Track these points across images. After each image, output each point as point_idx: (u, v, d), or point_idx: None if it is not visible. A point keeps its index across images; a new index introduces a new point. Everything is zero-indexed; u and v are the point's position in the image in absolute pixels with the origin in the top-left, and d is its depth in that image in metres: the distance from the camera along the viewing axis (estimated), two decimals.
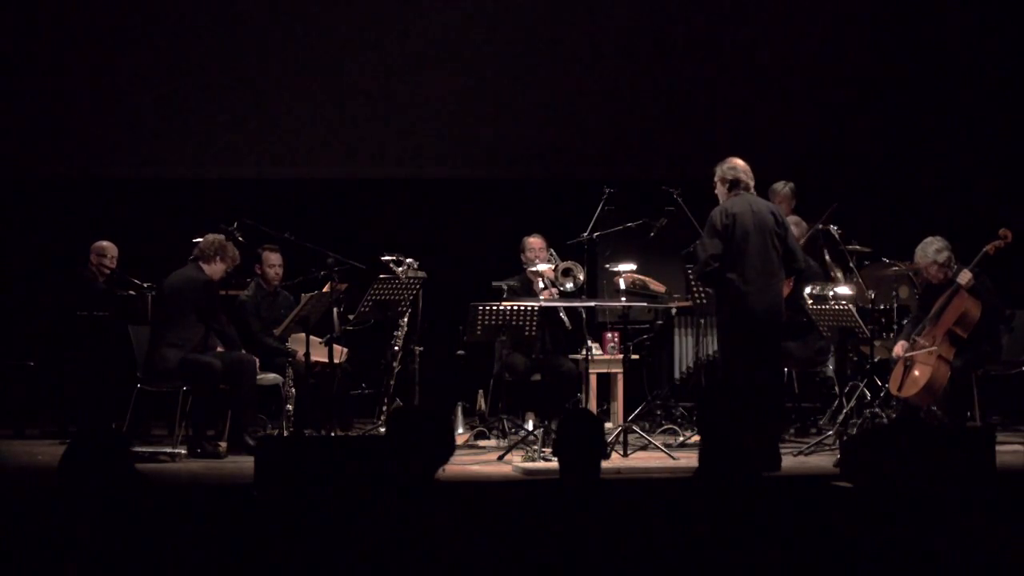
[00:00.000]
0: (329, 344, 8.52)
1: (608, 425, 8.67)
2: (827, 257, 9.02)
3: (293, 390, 8.40)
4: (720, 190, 7.52)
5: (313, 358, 8.24)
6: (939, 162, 10.73)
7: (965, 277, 8.18)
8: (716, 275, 7.33)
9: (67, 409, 8.86)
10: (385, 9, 10.46)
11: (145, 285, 9.01)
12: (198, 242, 8.26)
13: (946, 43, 10.69)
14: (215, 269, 8.15)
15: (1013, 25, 10.56)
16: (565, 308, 8.73)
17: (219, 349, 8.24)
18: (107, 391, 8.57)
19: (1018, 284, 9.37)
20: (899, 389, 8.14)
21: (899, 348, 8.27)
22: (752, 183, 7.51)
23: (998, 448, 6.38)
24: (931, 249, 8.26)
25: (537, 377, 8.94)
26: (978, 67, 10.67)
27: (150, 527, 3.96)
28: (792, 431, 8.74)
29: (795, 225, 8.81)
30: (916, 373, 8.09)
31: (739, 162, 7.52)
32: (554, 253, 8.89)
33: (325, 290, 8.35)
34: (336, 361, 8.42)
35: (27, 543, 3.84)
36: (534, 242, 9.04)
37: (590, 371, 8.59)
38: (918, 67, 10.67)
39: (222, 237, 8.28)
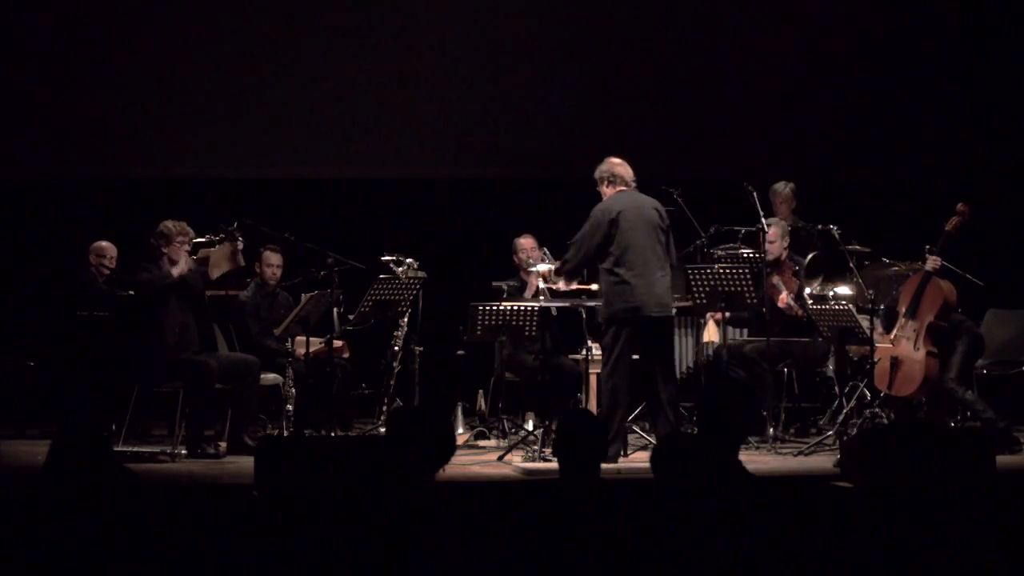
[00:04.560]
0: (329, 343, 8.53)
1: None
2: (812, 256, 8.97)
3: (293, 390, 8.40)
4: (603, 190, 7.67)
5: (314, 348, 8.26)
6: (940, 162, 10.73)
7: (934, 263, 8.16)
8: (581, 270, 7.65)
9: (67, 409, 8.85)
10: (386, 9, 10.46)
11: None
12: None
13: (945, 41, 10.68)
14: (171, 253, 8.00)
15: (1010, 25, 10.56)
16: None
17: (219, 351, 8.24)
18: (107, 391, 8.56)
19: (1016, 283, 9.37)
20: (889, 387, 8.13)
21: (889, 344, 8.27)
22: (631, 178, 7.66)
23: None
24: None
25: (537, 376, 8.93)
26: (978, 66, 10.67)
27: (149, 527, 3.97)
28: (792, 431, 8.74)
29: (776, 225, 8.83)
30: (909, 372, 8.05)
31: (615, 160, 7.71)
32: (547, 252, 8.84)
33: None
34: (337, 346, 8.43)
35: (27, 542, 3.84)
36: (525, 243, 9.01)
37: (590, 371, 8.57)
38: (918, 66, 10.66)
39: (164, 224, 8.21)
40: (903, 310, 8.20)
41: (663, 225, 7.58)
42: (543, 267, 8.74)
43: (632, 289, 7.36)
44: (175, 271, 7.95)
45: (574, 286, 8.10)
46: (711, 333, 8.90)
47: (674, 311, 7.74)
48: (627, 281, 7.37)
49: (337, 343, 8.63)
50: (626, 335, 7.44)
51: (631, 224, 7.44)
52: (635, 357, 7.66)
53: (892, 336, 8.18)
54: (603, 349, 7.68)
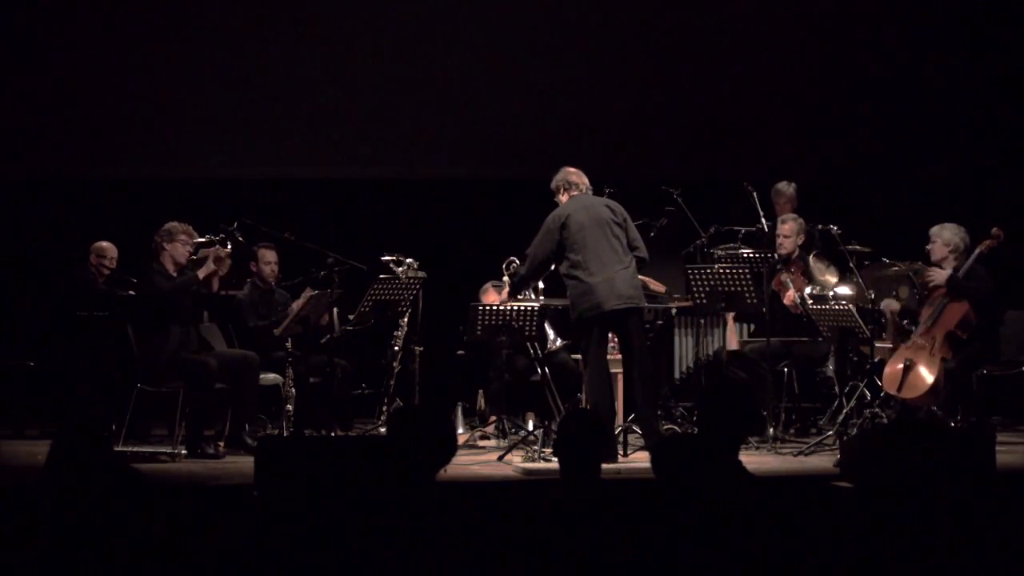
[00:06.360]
0: (329, 344, 8.53)
1: None
2: (811, 259, 8.95)
3: (293, 390, 8.40)
4: (560, 198, 7.74)
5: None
6: (939, 161, 10.73)
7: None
8: (532, 280, 7.81)
9: (67, 409, 8.86)
10: (386, 9, 10.47)
11: None
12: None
13: (946, 42, 10.69)
14: (172, 251, 8.05)
15: (1010, 25, 10.57)
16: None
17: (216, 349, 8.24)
18: (106, 391, 8.56)
19: (1017, 283, 9.36)
20: (898, 390, 8.13)
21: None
22: (584, 183, 7.72)
23: (998, 448, 6.37)
24: (946, 233, 8.32)
25: (536, 377, 8.94)
26: (976, 65, 10.67)
27: (149, 527, 3.97)
28: (792, 431, 8.74)
29: (792, 221, 8.84)
30: (919, 376, 8.06)
31: (570, 169, 7.78)
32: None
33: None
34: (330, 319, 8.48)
35: (27, 542, 3.85)
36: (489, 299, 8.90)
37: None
38: (917, 66, 10.67)
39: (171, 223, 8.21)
40: (925, 316, 8.22)
41: (617, 219, 7.60)
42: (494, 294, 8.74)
43: (592, 288, 7.41)
44: (201, 273, 7.97)
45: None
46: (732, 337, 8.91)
47: (642, 303, 7.69)
48: (586, 282, 7.42)
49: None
50: (596, 336, 7.48)
51: (581, 225, 7.49)
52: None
53: (909, 341, 8.21)
54: (581, 355, 7.71)
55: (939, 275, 8.20)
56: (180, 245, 8.03)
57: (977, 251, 8.23)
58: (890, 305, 8.64)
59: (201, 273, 7.98)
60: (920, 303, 8.42)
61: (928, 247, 8.36)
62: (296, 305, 8.49)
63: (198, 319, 8.36)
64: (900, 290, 9.12)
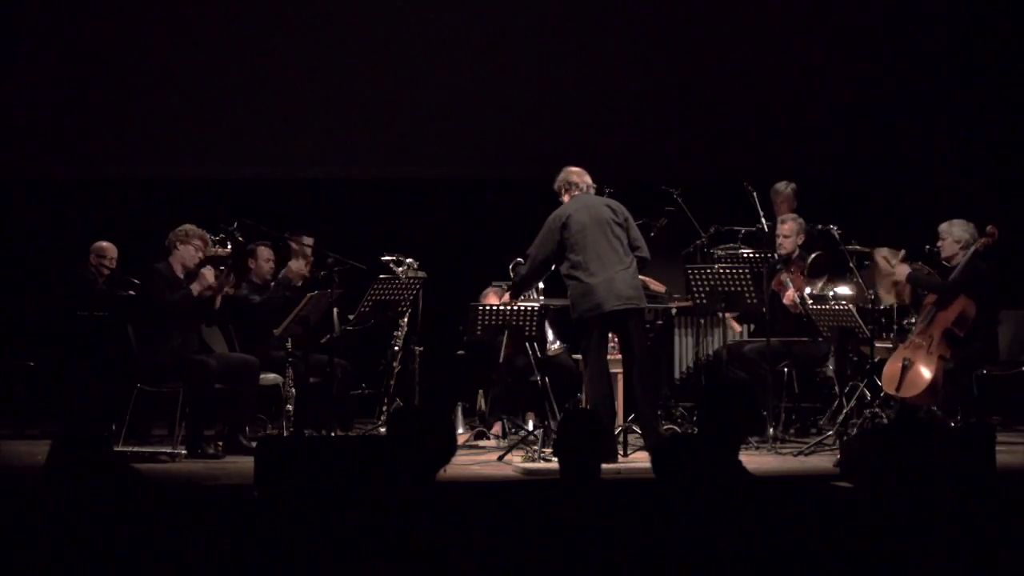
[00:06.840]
0: (329, 344, 8.52)
1: None
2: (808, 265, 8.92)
3: (293, 390, 8.40)
4: (564, 198, 7.73)
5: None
6: (938, 161, 10.74)
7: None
8: (533, 281, 7.87)
9: (67, 409, 8.86)
10: (385, 9, 10.47)
11: None
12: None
13: (945, 43, 10.69)
14: (184, 252, 8.06)
15: (1009, 26, 10.57)
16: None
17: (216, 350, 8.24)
18: (106, 391, 8.56)
19: (1016, 283, 9.37)
20: (897, 389, 8.13)
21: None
22: (586, 183, 7.73)
23: (998, 448, 6.37)
24: (956, 230, 8.31)
25: (536, 377, 8.94)
26: (975, 66, 10.67)
27: (149, 527, 3.97)
28: (792, 431, 8.74)
29: (792, 221, 8.85)
30: (917, 374, 8.07)
31: (572, 168, 7.79)
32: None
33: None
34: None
35: (27, 542, 3.85)
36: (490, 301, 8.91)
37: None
38: (916, 66, 10.67)
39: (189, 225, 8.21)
40: (923, 314, 8.22)
41: (618, 219, 7.60)
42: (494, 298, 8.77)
43: (592, 289, 7.41)
44: (195, 288, 7.94)
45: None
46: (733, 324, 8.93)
47: (643, 303, 7.69)
48: (586, 282, 7.43)
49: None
50: (596, 336, 7.48)
51: (582, 225, 7.49)
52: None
53: (907, 340, 8.22)
54: (581, 355, 7.70)
55: (900, 270, 8.24)
56: (192, 249, 8.04)
57: (972, 249, 8.23)
58: (881, 252, 8.64)
59: (195, 288, 7.94)
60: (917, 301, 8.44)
61: (937, 244, 8.36)
62: (293, 264, 8.50)
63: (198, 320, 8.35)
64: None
